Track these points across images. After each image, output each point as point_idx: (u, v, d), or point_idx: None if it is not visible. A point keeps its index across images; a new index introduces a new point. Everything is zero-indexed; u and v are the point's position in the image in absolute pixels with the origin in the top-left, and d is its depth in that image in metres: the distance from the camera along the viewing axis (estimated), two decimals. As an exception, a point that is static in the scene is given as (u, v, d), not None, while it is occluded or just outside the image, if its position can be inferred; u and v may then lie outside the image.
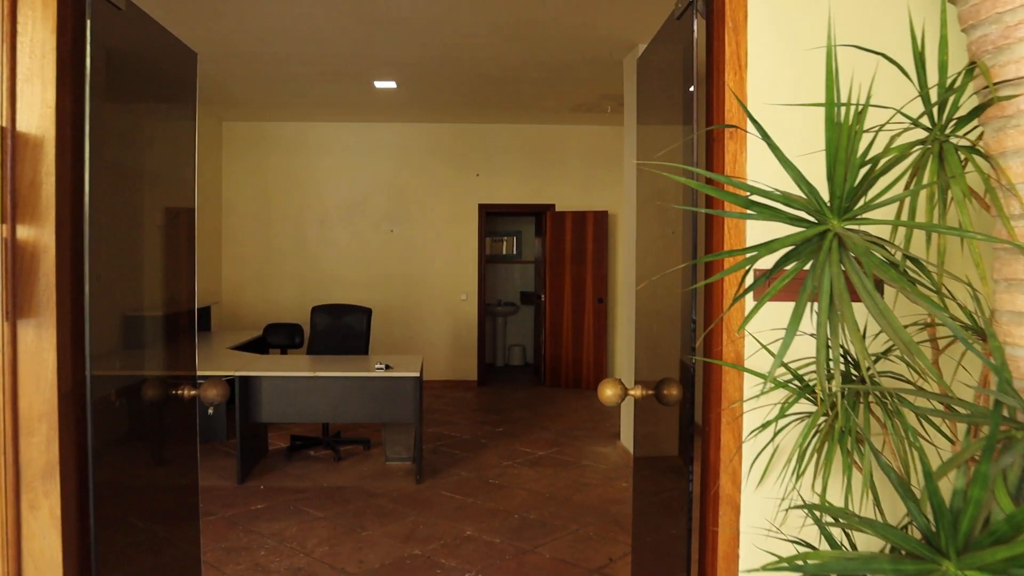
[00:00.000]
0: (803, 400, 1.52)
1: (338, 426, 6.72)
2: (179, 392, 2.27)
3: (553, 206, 9.40)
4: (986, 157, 1.29)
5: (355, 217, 9.19)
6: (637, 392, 2.34)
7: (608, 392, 2.28)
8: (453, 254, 9.30)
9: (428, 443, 6.51)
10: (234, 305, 9.07)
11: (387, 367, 5.26)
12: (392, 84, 7.11)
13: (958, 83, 1.31)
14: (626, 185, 6.22)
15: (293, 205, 9.13)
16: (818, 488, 1.65)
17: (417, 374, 5.22)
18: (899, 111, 1.43)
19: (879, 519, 1.31)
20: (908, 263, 1.30)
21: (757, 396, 1.55)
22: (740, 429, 1.86)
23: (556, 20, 5.23)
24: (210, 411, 5.48)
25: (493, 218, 11.15)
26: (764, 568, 1.06)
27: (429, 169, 9.24)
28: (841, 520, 1.23)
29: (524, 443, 6.58)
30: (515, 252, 11.60)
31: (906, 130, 1.40)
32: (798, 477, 1.43)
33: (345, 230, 9.19)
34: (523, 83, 7.09)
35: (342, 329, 6.29)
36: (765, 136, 1.26)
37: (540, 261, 9.93)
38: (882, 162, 1.30)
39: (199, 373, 2.42)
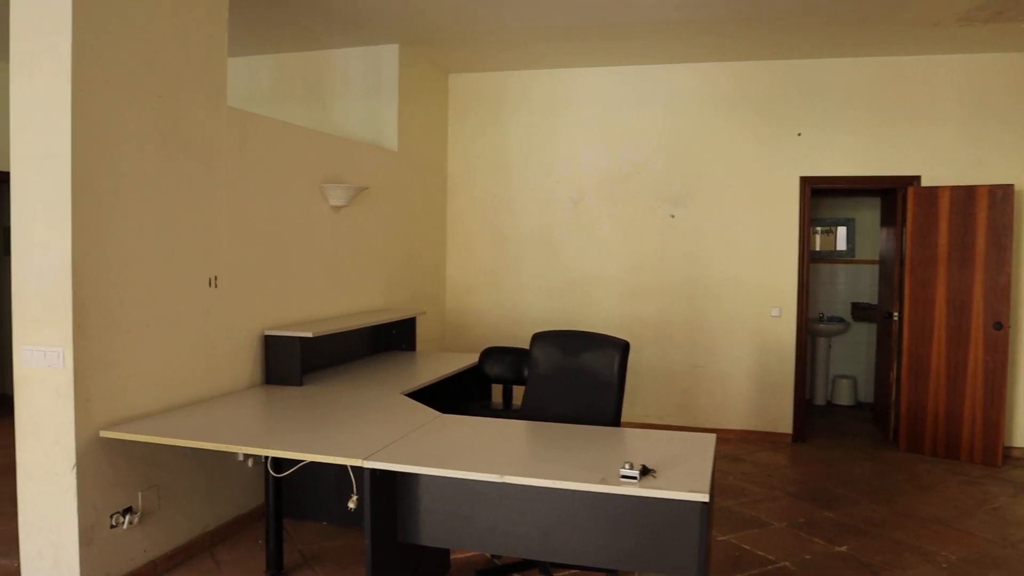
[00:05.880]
0: None
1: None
2: None
3: (917, 179, 6.09)
4: None
5: (621, 196, 6.66)
6: None
7: None
8: (761, 249, 6.39)
9: (716, 569, 3.80)
10: (460, 313, 7.03)
11: (644, 472, 2.65)
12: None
13: None
14: None
15: (538, 181, 6.84)
16: None
17: (705, 497, 2.52)
18: None
19: None
20: None
21: None
22: None
23: None
24: (351, 504, 3.30)
25: (816, 199, 7.98)
26: None
27: (725, 128, 6.41)
28: None
29: (901, 596, 3.59)
30: (843, 247, 8.30)
31: None
32: None
33: (607, 214, 6.70)
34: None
35: (578, 373, 3.79)
36: None
37: (890, 261, 6.63)
38: None
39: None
